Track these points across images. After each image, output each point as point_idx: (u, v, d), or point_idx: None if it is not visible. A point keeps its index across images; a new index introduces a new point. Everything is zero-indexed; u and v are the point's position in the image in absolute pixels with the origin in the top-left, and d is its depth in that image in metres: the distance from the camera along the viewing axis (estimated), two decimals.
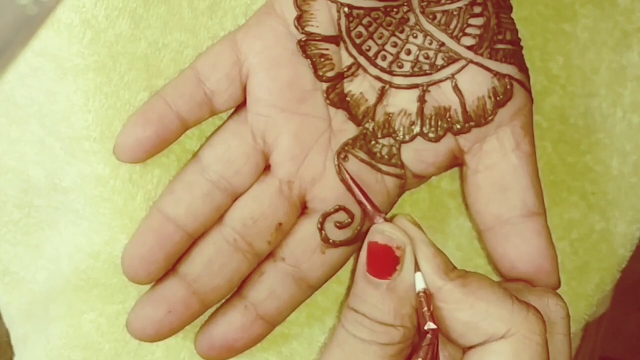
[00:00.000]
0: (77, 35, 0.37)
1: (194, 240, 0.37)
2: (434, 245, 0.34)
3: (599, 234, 0.42)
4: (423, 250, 0.33)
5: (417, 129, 0.36)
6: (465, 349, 0.33)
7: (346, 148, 0.37)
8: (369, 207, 0.35)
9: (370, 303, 0.33)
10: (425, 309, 0.33)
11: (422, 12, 0.36)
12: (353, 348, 0.33)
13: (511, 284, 0.35)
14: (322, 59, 0.36)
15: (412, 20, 0.36)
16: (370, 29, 0.36)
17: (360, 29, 0.36)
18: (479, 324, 0.32)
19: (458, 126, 0.36)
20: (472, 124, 0.36)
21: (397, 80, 0.37)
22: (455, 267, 0.34)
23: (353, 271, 0.39)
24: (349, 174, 0.36)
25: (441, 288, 0.33)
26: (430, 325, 0.33)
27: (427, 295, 0.33)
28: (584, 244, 0.41)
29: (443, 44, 0.36)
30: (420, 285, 0.33)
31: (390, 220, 0.34)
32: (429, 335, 0.33)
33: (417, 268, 0.33)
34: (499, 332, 0.32)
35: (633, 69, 0.41)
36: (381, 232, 0.33)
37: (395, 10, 0.36)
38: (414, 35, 0.37)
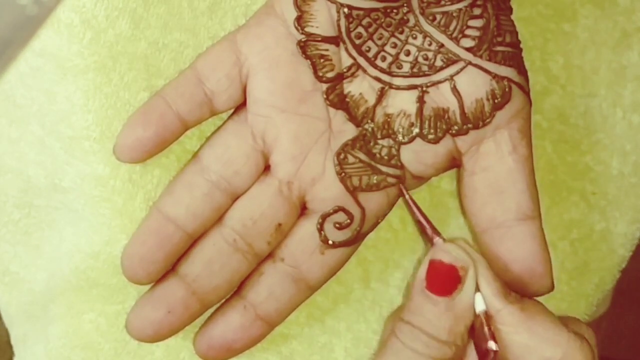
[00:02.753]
0: (77, 35, 0.37)
1: (193, 241, 0.37)
2: (492, 270, 0.35)
3: (599, 234, 0.42)
4: (483, 273, 0.34)
5: (416, 130, 0.36)
6: None
7: (346, 149, 0.37)
8: (428, 228, 0.36)
9: (427, 318, 0.34)
10: (486, 329, 0.34)
11: (422, 13, 0.36)
12: (407, 358, 0.34)
13: (559, 316, 0.36)
14: (322, 60, 0.36)
15: (412, 21, 0.36)
16: (370, 29, 0.36)
17: (360, 29, 0.36)
18: (537, 348, 0.34)
19: (456, 128, 0.36)
20: (469, 126, 0.36)
21: (397, 81, 0.37)
22: (511, 291, 0.35)
23: (408, 286, 0.40)
24: (409, 195, 0.37)
25: (500, 310, 0.34)
26: (492, 345, 0.34)
27: (488, 316, 0.34)
28: (584, 244, 0.41)
29: (442, 45, 0.36)
30: (481, 306, 0.34)
31: (449, 241, 0.36)
32: (490, 355, 0.34)
33: (477, 289, 0.34)
34: (555, 356, 0.33)
35: (633, 69, 0.41)
36: (447, 252, 0.34)
37: (395, 11, 0.36)
38: (414, 36, 0.37)
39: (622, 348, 0.85)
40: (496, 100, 0.36)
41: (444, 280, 0.34)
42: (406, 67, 0.37)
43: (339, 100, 0.37)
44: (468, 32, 0.36)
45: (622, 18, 0.41)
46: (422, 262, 0.35)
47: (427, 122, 0.36)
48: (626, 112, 0.41)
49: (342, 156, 0.37)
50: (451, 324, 0.34)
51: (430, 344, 0.34)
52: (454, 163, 0.37)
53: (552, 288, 0.37)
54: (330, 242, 0.37)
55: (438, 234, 0.36)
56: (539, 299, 0.37)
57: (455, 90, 0.36)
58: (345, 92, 0.37)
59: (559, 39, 0.41)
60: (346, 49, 0.37)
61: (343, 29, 0.36)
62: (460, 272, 0.34)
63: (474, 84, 0.36)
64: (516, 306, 0.34)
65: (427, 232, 0.36)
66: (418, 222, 0.37)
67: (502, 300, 0.34)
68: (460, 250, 0.35)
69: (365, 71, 0.37)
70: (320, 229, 0.37)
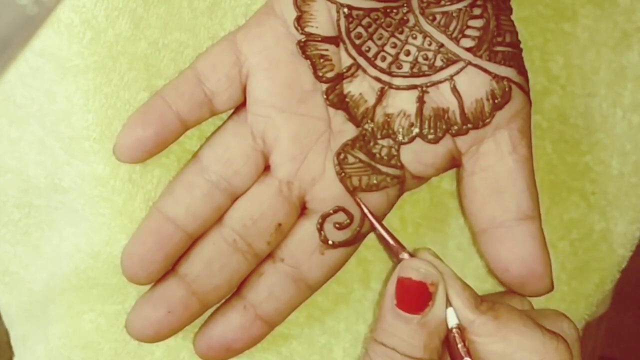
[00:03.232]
0: (77, 35, 0.37)
1: (193, 241, 0.37)
2: (461, 279, 0.35)
3: (599, 234, 0.42)
4: (452, 285, 0.34)
5: (416, 130, 0.36)
6: None
7: (345, 149, 0.37)
8: (392, 242, 0.36)
9: (400, 337, 0.34)
10: (461, 344, 0.34)
11: (422, 13, 0.36)
12: None
13: (533, 312, 0.36)
14: (322, 60, 0.36)
15: (412, 22, 0.36)
16: (370, 29, 0.36)
17: (360, 29, 0.36)
18: (513, 356, 0.33)
19: (456, 128, 0.36)
20: (469, 126, 0.36)
21: (397, 81, 0.37)
22: (482, 300, 0.35)
23: (377, 303, 0.39)
24: (369, 209, 0.37)
25: (473, 322, 0.34)
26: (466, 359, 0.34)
27: (461, 330, 0.34)
28: (584, 244, 0.41)
29: (442, 45, 0.36)
30: (453, 321, 0.34)
31: (414, 255, 0.35)
32: None
33: (447, 303, 0.34)
34: None
35: (633, 69, 0.41)
36: (416, 269, 0.34)
37: (394, 11, 0.36)
38: (414, 36, 0.36)
39: (622, 348, 0.85)
40: (496, 101, 0.36)
41: (414, 297, 0.34)
42: (406, 67, 0.37)
43: (338, 100, 0.37)
44: (468, 32, 0.36)
45: (622, 18, 0.41)
46: (390, 279, 0.35)
47: (427, 122, 0.36)
48: (626, 112, 0.41)
49: (342, 156, 0.37)
50: (425, 341, 0.33)
51: None
52: (454, 163, 0.37)
53: (551, 288, 0.37)
54: (330, 242, 0.37)
55: (403, 248, 0.36)
56: (539, 299, 0.37)
57: (455, 90, 0.36)
58: (345, 92, 0.37)
59: (559, 39, 0.41)
60: (346, 49, 0.37)
61: (343, 29, 0.36)
62: (431, 289, 0.34)
63: (473, 84, 0.36)
64: (489, 315, 0.34)
65: (392, 247, 0.36)
66: (381, 238, 0.36)
67: (473, 311, 0.34)
68: (428, 265, 0.34)
69: (365, 71, 0.37)
70: (320, 229, 0.37)
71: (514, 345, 0.33)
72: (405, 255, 0.35)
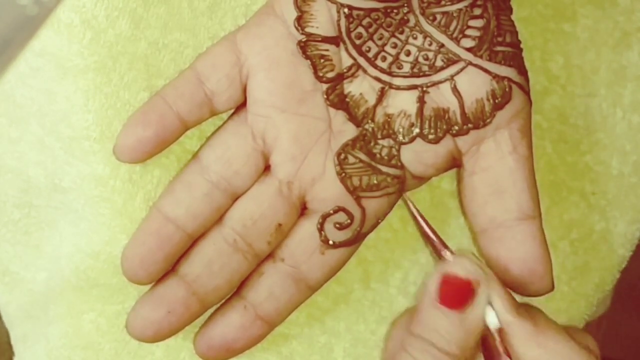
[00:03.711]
0: (77, 35, 0.37)
1: (193, 241, 0.37)
2: (501, 284, 0.35)
3: (599, 234, 0.42)
4: (495, 288, 0.34)
5: (416, 130, 0.36)
6: None
7: (346, 149, 0.37)
8: (437, 241, 0.36)
9: (438, 332, 0.34)
10: (500, 345, 0.34)
11: (422, 14, 0.36)
12: None
13: (564, 326, 0.36)
14: (322, 60, 0.36)
15: (412, 22, 0.36)
16: (370, 30, 0.36)
17: (360, 29, 0.36)
18: None
19: (456, 128, 0.36)
20: (470, 126, 0.36)
21: (397, 81, 0.37)
22: (520, 305, 0.35)
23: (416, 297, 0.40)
24: (417, 208, 0.37)
25: (512, 325, 0.34)
26: (505, 359, 0.34)
27: (500, 330, 0.34)
28: (584, 244, 0.41)
29: (443, 46, 0.36)
30: (494, 322, 0.34)
31: (456, 254, 0.36)
32: None
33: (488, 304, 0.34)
34: None
35: (633, 69, 0.41)
36: (463, 266, 0.34)
37: (395, 11, 0.36)
38: (414, 36, 0.36)
39: (622, 348, 0.85)
40: (496, 101, 0.36)
41: (458, 294, 0.34)
42: (406, 67, 0.37)
43: (339, 101, 0.37)
44: (468, 32, 0.36)
45: (622, 18, 0.41)
46: (432, 275, 0.35)
47: (427, 122, 0.36)
48: (626, 112, 0.41)
49: (342, 156, 0.37)
50: (462, 338, 0.34)
51: (441, 358, 0.33)
52: (454, 163, 0.37)
53: (552, 288, 0.37)
54: (330, 242, 0.37)
55: (447, 247, 0.36)
56: (539, 299, 0.37)
57: (455, 90, 0.36)
58: (346, 92, 0.37)
59: (559, 39, 0.41)
60: (346, 49, 0.37)
61: (343, 29, 0.36)
62: (475, 286, 0.34)
63: (474, 84, 0.36)
64: (527, 320, 0.34)
65: (435, 245, 0.36)
66: (425, 235, 0.37)
67: (513, 314, 0.34)
68: (474, 264, 0.35)
69: (365, 71, 0.37)
70: (321, 229, 0.37)
71: (550, 352, 0.34)
72: (447, 254, 0.36)
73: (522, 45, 0.37)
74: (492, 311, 0.34)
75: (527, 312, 0.35)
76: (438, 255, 0.36)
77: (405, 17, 0.36)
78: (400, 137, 0.37)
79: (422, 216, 0.37)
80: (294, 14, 0.36)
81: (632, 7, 0.41)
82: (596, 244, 0.42)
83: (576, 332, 0.36)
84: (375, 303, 0.40)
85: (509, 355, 0.34)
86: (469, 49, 0.36)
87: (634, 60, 0.41)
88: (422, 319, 0.34)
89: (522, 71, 0.36)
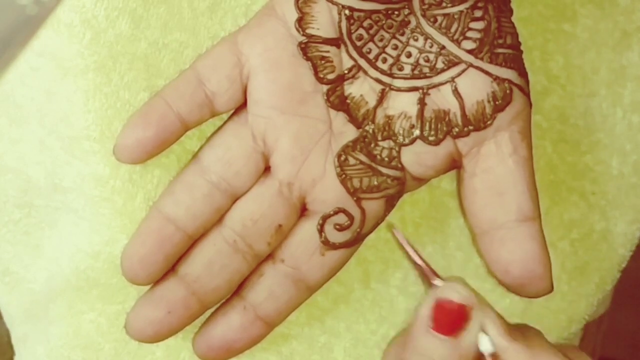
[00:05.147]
0: (77, 35, 0.37)
1: (193, 241, 0.37)
2: (494, 308, 0.35)
3: (599, 234, 0.42)
4: (487, 312, 0.34)
5: (417, 132, 0.36)
6: None
7: (346, 150, 0.37)
8: (428, 270, 0.36)
9: (433, 359, 0.34)
10: None
11: (423, 15, 0.36)
12: None
13: (558, 345, 0.36)
14: (323, 61, 0.36)
15: (413, 23, 0.36)
16: (371, 31, 0.36)
17: (361, 31, 0.36)
18: None
19: (457, 130, 0.36)
20: (470, 127, 0.36)
21: (398, 82, 0.37)
22: (514, 329, 0.35)
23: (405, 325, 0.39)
24: (405, 238, 0.37)
25: (507, 349, 0.34)
26: None
27: (495, 356, 0.34)
28: (584, 244, 0.41)
29: (443, 47, 0.36)
30: (488, 347, 0.34)
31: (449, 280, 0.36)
32: None
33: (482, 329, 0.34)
34: None
35: (633, 69, 0.41)
36: (457, 291, 0.34)
37: (396, 12, 0.36)
38: (415, 38, 0.36)
39: (622, 348, 0.85)
40: (497, 102, 0.36)
41: (451, 319, 0.34)
42: (407, 69, 0.37)
43: (339, 102, 0.37)
44: (469, 34, 0.36)
45: (622, 18, 0.41)
46: (424, 301, 0.35)
47: (428, 124, 0.36)
48: (626, 112, 0.41)
49: (342, 158, 0.37)
50: None
51: None
52: (454, 164, 0.37)
53: (551, 290, 0.37)
54: (330, 243, 0.37)
55: (437, 274, 0.36)
56: (539, 299, 0.38)
57: (456, 92, 0.36)
58: (346, 93, 0.37)
59: (559, 39, 0.41)
60: (347, 51, 0.37)
61: (344, 31, 0.36)
62: (469, 312, 0.34)
63: (475, 86, 0.36)
64: (522, 343, 0.34)
65: (425, 272, 0.36)
66: (415, 264, 0.37)
67: (507, 339, 0.34)
68: (467, 289, 0.35)
69: (366, 73, 0.37)
70: (321, 230, 0.37)
71: None
72: (438, 282, 0.36)
73: (522, 47, 0.37)
74: (486, 336, 0.34)
75: (521, 334, 0.35)
76: (428, 283, 0.36)
77: (407, 19, 0.36)
78: (401, 139, 0.37)
79: (410, 245, 0.37)
80: (294, 15, 0.36)
81: (632, 7, 0.41)
82: (596, 244, 0.42)
83: (571, 351, 0.35)
84: (375, 303, 0.40)
85: None
86: (469, 51, 0.36)
87: (634, 60, 0.41)
88: (416, 345, 0.34)
89: (523, 73, 0.36)
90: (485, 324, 0.34)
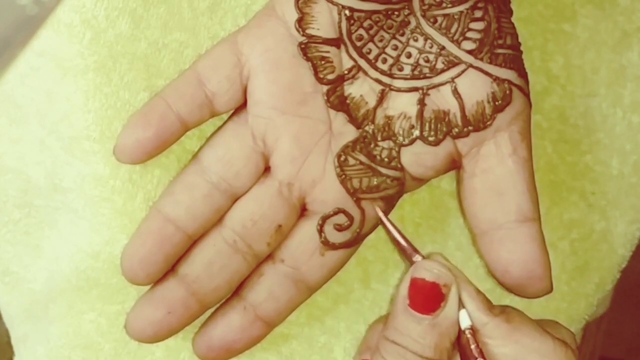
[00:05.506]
0: (77, 35, 0.37)
1: (193, 242, 0.37)
2: (473, 283, 0.35)
3: (599, 234, 0.42)
4: (465, 288, 0.35)
5: (416, 133, 0.36)
6: None
7: (346, 151, 0.37)
8: (407, 246, 0.36)
9: (412, 337, 0.34)
10: (474, 346, 0.34)
11: (423, 16, 0.36)
12: None
13: (538, 320, 0.36)
14: (323, 62, 0.36)
15: (413, 24, 0.36)
16: (371, 31, 0.36)
17: (361, 31, 0.36)
18: (525, 359, 0.34)
19: (457, 130, 0.36)
20: (470, 128, 0.36)
21: (397, 83, 0.37)
22: (494, 304, 0.35)
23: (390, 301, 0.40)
24: (384, 215, 0.37)
25: (486, 324, 0.34)
26: None
27: (474, 331, 0.34)
28: (584, 244, 0.41)
29: (443, 48, 0.36)
30: (466, 322, 0.34)
31: (427, 258, 0.36)
32: None
33: (460, 305, 0.35)
34: None
35: (633, 69, 0.41)
36: (429, 270, 0.35)
37: (396, 13, 0.36)
38: (415, 38, 0.36)
39: (622, 348, 0.85)
40: (497, 103, 0.36)
41: (427, 298, 0.34)
42: (407, 70, 0.37)
43: (339, 102, 0.37)
44: (469, 34, 0.36)
45: (622, 18, 0.41)
46: (403, 280, 0.35)
47: (427, 125, 0.36)
48: (626, 112, 0.41)
49: (342, 158, 0.37)
50: (436, 341, 0.34)
51: None
52: (454, 165, 0.37)
53: (550, 290, 0.37)
54: (330, 243, 0.37)
55: (417, 251, 0.36)
56: (539, 298, 0.38)
57: (456, 92, 0.36)
58: (346, 94, 0.37)
59: (559, 39, 0.41)
60: (347, 51, 0.37)
61: (344, 31, 0.36)
62: (443, 290, 0.34)
63: (474, 87, 0.36)
64: (501, 318, 0.34)
65: (405, 250, 0.36)
66: (395, 241, 0.37)
67: (486, 313, 0.34)
68: (442, 266, 0.35)
69: (366, 73, 0.37)
70: (321, 230, 0.37)
71: (526, 348, 0.34)
72: (418, 258, 0.36)
73: (522, 48, 0.37)
74: (465, 312, 0.34)
75: (501, 310, 0.35)
76: (409, 260, 0.36)
77: (406, 19, 0.36)
78: (401, 139, 0.37)
79: (390, 222, 0.37)
80: (295, 15, 0.36)
81: (632, 7, 0.41)
82: (596, 244, 0.42)
83: (552, 326, 0.36)
84: (375, 303, 0.40)
85: (483, 357, 0.34)
86: (469, 52, 0.36)
87: (634, 60, 0.41)
88: (396, 324, 0.35)
89: (522, 73, 0.36)
90: (464, 299, 0.34)
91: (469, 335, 0.34)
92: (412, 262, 0.36)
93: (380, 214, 0.37)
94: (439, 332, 0.34)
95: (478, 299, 0.35)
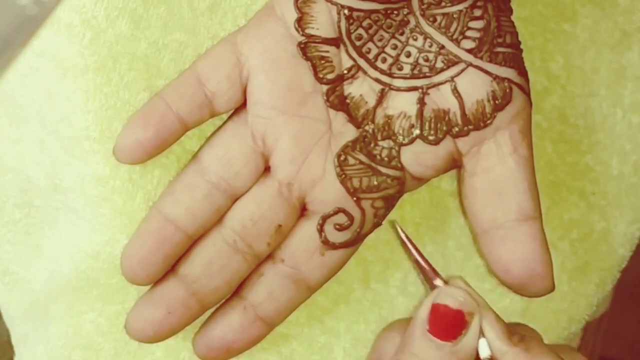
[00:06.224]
0: (77, 35, 0.37)
1: (193, 242, 0.37)
2: (493, 310, 0.35)
3: (599, 234, 0.42)
4: (486, 316, 0.35)
5: (416, 132, 0.36)
6: None
7: (346, 150, 0.37)
8: (429, 270, 0.36)
9: None
10: None
11: (423, 15, 0.36)
12: None
13: (552, 345, 0.36)
14: (322, 61, 0.36)
15: (413, 23, 0.36)
16: (371, 31, 0.36)
17: (361, 31, 0.36)
18: None
19: (457, 129, 0.36)
20: (470, 127, 0.36)
21: (397, 82, 0.37)
22: (513, 332, 0.35)
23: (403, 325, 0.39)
24: (408, 237, 0.37)
25: (505, 354, 0.34)
26: None
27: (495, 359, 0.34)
28: (584, 244, 0.41)
29: (443, 47, 0.36)
30: (486, 352, 0.34)
31: (448, 282, 0.36)
32: None
33: (480, 333, 0.34)
34: None
35: (633, 69, 0.41)
36: (454, 297, 0.35)
37: (395, 12, 0.36)
38: (414, 37, 0.36)
39: (622, 348, 0.85)
40: (497, 102, 0.36)
41: (449, 325, 0.34)
42: (407, 69, 0.37)
43: (339, 102, 0.37)
44: (469, 33, 0.36)
45: (622, 18, 0.41)
46: (422, 304, 0.35)
47: (427, 124, 0.36)
48: (626, 112, 0.41)
49: (342, 158, 0.37)
50: None
51: None
52: (454, 164, 0.37)
53: (552, 289, 0.37)
54: (330, 243, 0.37)
55: (438, 274, 0.36)
56: (539, 299, 0.38)
57: (456, 91, 0.36)
58: (346, 93, 0.37)
59: (559, 39, 0.41)
60: (346, 51, 0.37)
61: (343, 31, 0.36)
62: (467, 317, 0.34)
63: (474, 86, 0.36)
64: (520, 347, 0.34)
65: (426, 273, 0.36)
66: (416, 263, 0.37)
67: (506, 342, 0.34)
68: (466, 294, 0.35)
69: (365, 73, 0.37)
70: (321, 230, 0.37)
71: None
72: (439, 282, 0.36)
73: (521, 46, 0.37)
74: (485, 340, 0.34)
75: (520, 338, 0.35)
76: (429, 283, 0.36)
77: (406, 19, 0.36)
78: (400, 139, 0.37)
79: (412, 243, 0.37)
80: (294, 15, 0.36)
81: (632, 7, 0.41)
82: (596, 244, 0.42)
83: (567, 353, 0.36)
84: (375, 303, 0.40)
85: None
86: (469, 50, 0.36)
87: (634, 60, 0.41)
88: (413, 348, 0.34)
89: (522, 72, 0.36)
90: (484, 327, 0.34)
91: None
92: (432, 286, 0.36)
93: (402, 235, 0.37)
94: (457, 359, 0.34)
95: (498, 327, 0.34)
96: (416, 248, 0.37)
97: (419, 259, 0.37)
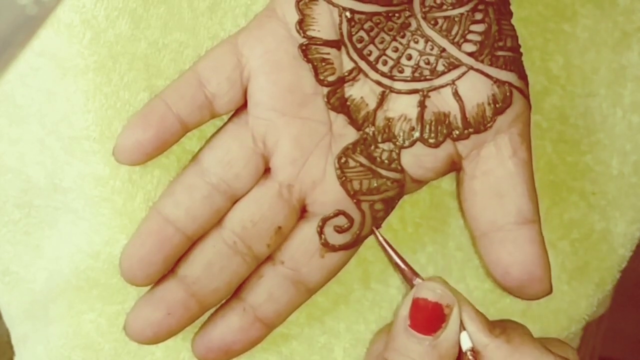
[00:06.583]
0: (77, 35, 0.37)
1: (193, 243, 0.37)
2: (472, 305, 0.35)
3: (599, 234, 0.42)
4: (466, 310, 0.35)
5: (417, 135, 0.36)
6: None
7: (346, 152, 0.37)
8: (407, 269, 0.36)
9: (412, 358, 0.34)
10: None
11: (424, 18, 0.36)
12: None
13: (539, 339, 0.36)
14: (323, 63, 0.36)
15: (414, 26, 0.36)
16: (372, 33, 0.36)
17: (362, 33, 0.36)
18: None
19: (457, 132, 0.36)
20: (471, 130, 0.36)
21: (398, 85, 0.37)
22: (494, 324, 0.35)
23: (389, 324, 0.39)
24: (384, 238, 0.37)
25: (487, 345, 0.34)
26: None
27: (475, 353, 0.34)
28: (584, 244, 0.41)
29: (444, 50, 0.36)
30: (467, 344, 0.34)
31: (429, 279, 0.36)
32: None
33: (461, 327, 0.35)
34: None
35: (633, 69, 0.41)
36: (432, 290, 0.35)
37: (397, 15, 0.36)
38: (415, 40, 0.36)
39: (622, 348, 0.85)
40: (497, 105, 0.36)
41: (428, 318, 0.34)
42: (407, 71, 0.37)
43: (340, 104, 0.37)
44: (470, 36, 0.36)
45: (622, 18, 0.41)
46: (403, 301, 0.35)
47: (428, 127, 0.36)
48: (626, 112, 0.41)
49: (342, 160, 0.37)
50: None
51: None
52: (454, 167, 0.37)
53: (550, 292, 0.37)
54: (330, 245, 0.37)
55: (417, 274, 0.36)
56: (539, 299, 0.38)
57: (456, 94, 0.36)
58: (346, 95, 0.37)
59: (559, 39, 0.41)
60: (347, 53, 0.37)
61: (345, 33, 0.36)
62: (445, 310, 0.34)
63: (475, 89, 0.36)
64: (502, 339, 0.34)
65: (405, 273, 0.37)
66: (395, 264, 0.37)
67: (487, 335, 0.34)
68: (445, 287, 0.35)
69: (366, 75, 0.37)
70: (321, 232, 0.37)
71: None
72: (418, 281, 0.36)
73: (521, 50, 0.37)
74: (466, 333, 0.34)
75: (502, 330, 0.35)
76: (409, 283, 0.36)
77: (407, 21, 0.36)
78: (401, 141, 0.37)
79: (390, 245, 0.37)
80: (295, 17, 0.36)
81: (632, 7, 0.41)
82: (596, 244, 0.42)
83: (554, 344, 0.36)
84: (375, 303, 0.40)
85: None
86: (470, 54, 0.36)
87: (634, 60, 0.41)
88: (396, 345, 0.35)
89: (522, 75, 0.36)
90: (464, 320, 0.34)
91: (470, 357, 0.34)
92: (412, 285, 0.36)
93: (380, 238, 0.37)
94: (439, 353, 0.34)
95: (478, 320, 0.35)
96: (394, 250, 0.37)
97: (398, 260, 0.37)
